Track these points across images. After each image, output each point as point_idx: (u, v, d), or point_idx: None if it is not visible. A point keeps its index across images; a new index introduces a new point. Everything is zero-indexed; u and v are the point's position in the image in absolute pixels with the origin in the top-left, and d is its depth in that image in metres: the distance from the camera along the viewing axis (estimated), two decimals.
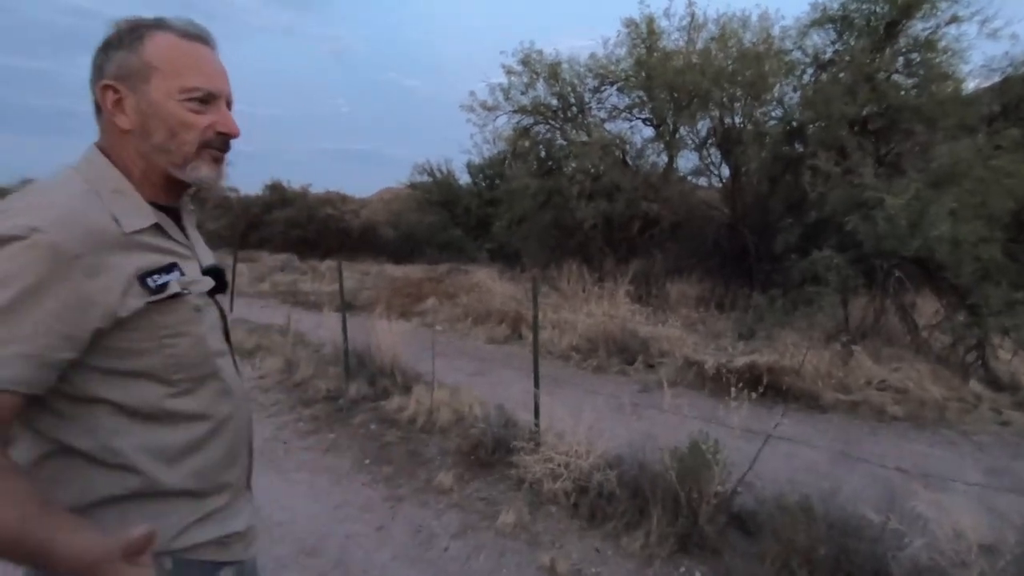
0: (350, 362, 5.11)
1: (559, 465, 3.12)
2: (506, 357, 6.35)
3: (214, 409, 0.88)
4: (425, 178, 19.98)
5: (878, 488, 3.15)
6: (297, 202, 22.66)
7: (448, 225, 19.86)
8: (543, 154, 10.07)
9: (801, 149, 7.22)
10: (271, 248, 21.38)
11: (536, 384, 3.67)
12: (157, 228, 0.83)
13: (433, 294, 9.74)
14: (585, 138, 9.43)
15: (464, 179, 19.71)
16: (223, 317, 0.93)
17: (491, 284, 9.35)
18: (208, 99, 0.84)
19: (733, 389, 4.87)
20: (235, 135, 0.87)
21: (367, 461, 3.57)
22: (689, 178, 9.73)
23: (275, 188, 24.14)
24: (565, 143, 9.78)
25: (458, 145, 24.93)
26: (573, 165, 8.90)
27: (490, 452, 3.57)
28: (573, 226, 9.41)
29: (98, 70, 0.81)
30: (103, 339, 0.75)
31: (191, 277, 0.85)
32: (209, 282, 0.90)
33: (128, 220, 0.78)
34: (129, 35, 0.81)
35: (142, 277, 0.77)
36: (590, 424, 3.80)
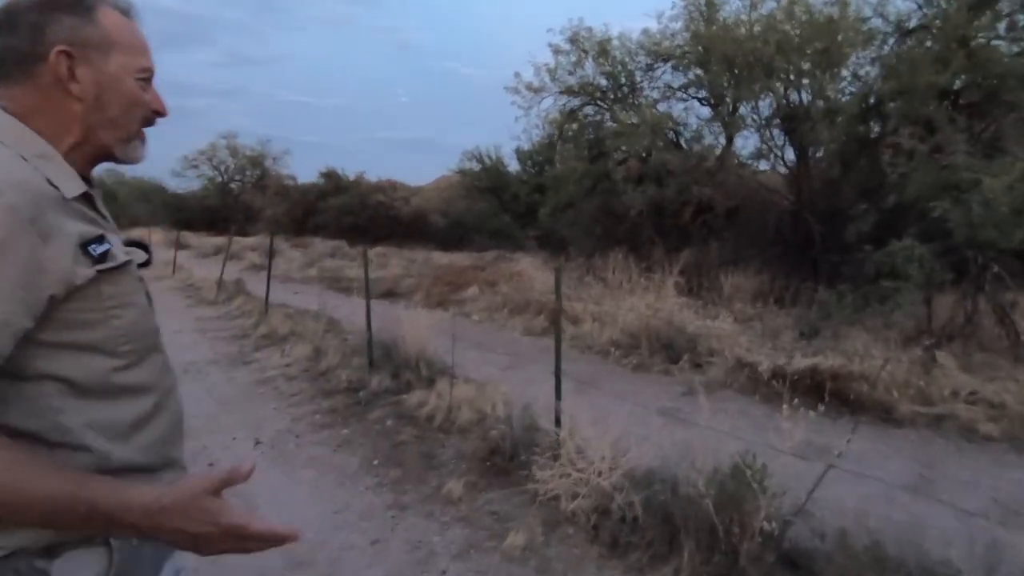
0: (376, 353, 4.91)
1: (580, 481, 2.75)
2: (541, 351, 6.00)
3: (159, 381, 0.86)
4: (474, 165, 19.79)
5: (967, 526, 2.61)
6: (351, 190, 23.01)
7: (497, 212, 19.62)
8: (590, 137, 9.57)
9: (879, 129, 6.43)
10: (325, 234, 21.83)
11: (557, 391, 3.32)
12: (86, 198, 0.80)
13: (475, 283, 9.50)
14: (635, 120, 8.87)
15: (513, 166, 19.42)
16: (147, 291, 0.90)
17: (532, 273, 9.00)
18: (150, 78, 0.85)
19: (790, 396, 4.35)
20: (166, 115, 0.88)
21: (376, 462, 3.33)
22: (749, 162, 8.99)
23: (330, 176, 24.61)
24: (614, 125, 9.24)
25: (508, 131, 24.54)
26: (622, 148, 8.37)
27: (508, 459, 3.25)
28: (621, 213, 8.91)
29: (35, 30, 0.76)
30: (53, 310, 0.72)
31: (123, 249, 0.82)
32: (143, 254, 0.87)
33: (65, 186, 0.76)
34: (78, 3, 0.79)
35: (83, 245, 0.74)
36: (622, 432, 3.43)
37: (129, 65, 0.81)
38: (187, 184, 33.23)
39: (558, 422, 3.26)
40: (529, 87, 10.04)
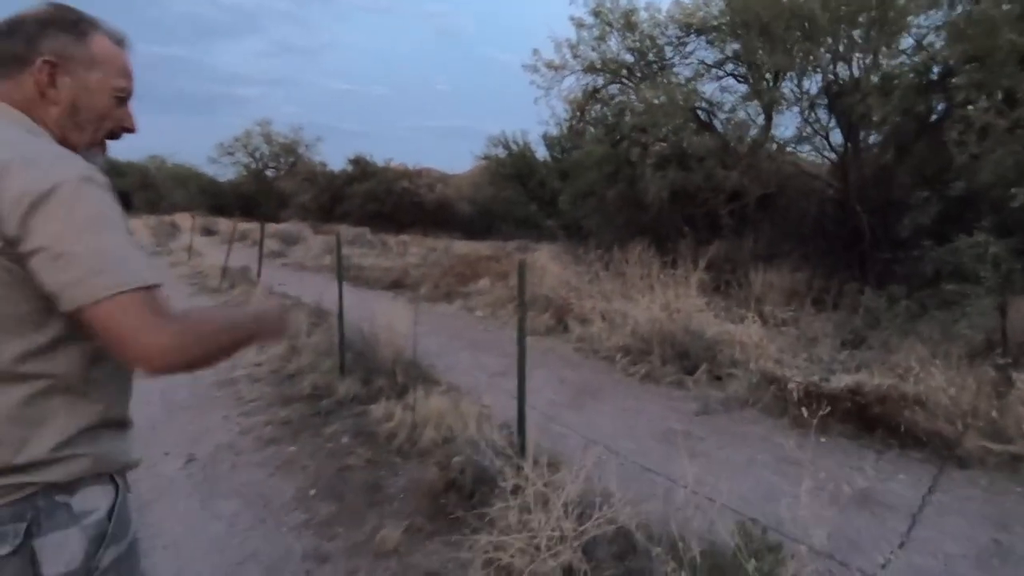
0: (351, 354, 4.40)
1: (532, 544, 2.15)
2: (543, 354, 5.39)
3: None
4: (500, 151, 19.16)
5: None
6: (377, 176, 22.72)
7: (523, 200, 18.98)
8: (613, 119, 8.82)
9: (944, 105, 5.51)
10: (352, 221, 21.63)
11: (520, 420, 2.72)
12: None
13: (486, 274, 8.94)
14: (663, 99, 8.06)
15: (541, 152, 18.70)
16: None
17: (547, 265, 8.35)
18: (127, 98, 0.98)
19: (824, 420, 3.64)
20: (135, 131, 1.00)
21: (313, 492, 2.81)
22: (790, 147, 8.08)
23: (358, 162, 24.39)
24: (640, 105, 8.46)
25: (537, 116, 23.77)
26: (646, 130, 7.60)
27: (466, 497, 2.68)
28: (645, 201, 8.16)
29: (30, 40, 0.89)
30: None
31: None
32: None
33: None
34: (74, 25, 0.92)
35: None
36: (612, 465, 2.82)
37: (107, 83, 0.94)
38: (223, 171, 33.78)
39: (522, 450, 2.66)
40: (549, 64, 9.34)
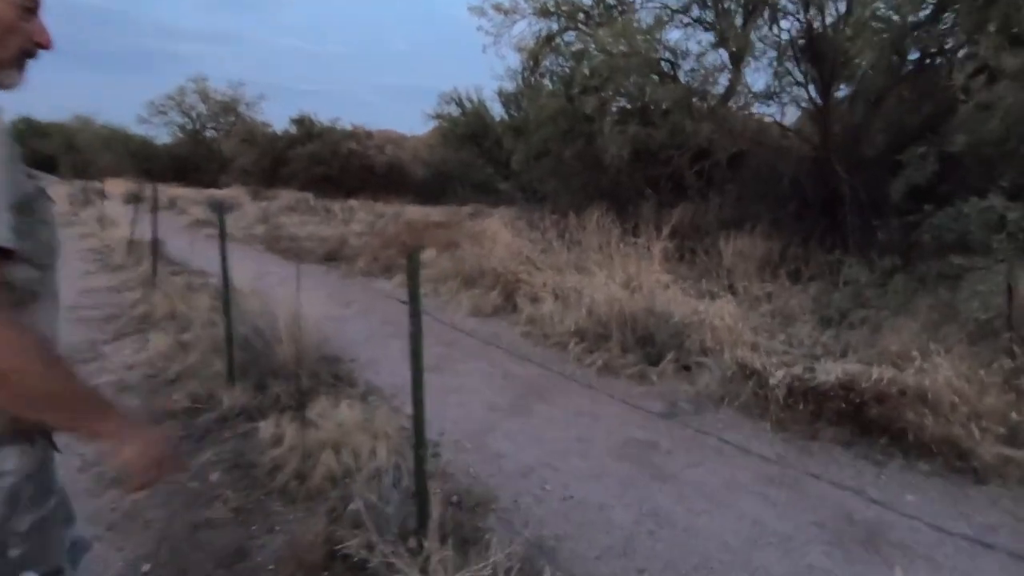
0: (243, 352, 3.57)
1: None
2: (486, 341, 4.66)
3: (56, 293, 0.95)
4: (453, 109, 17.95)
5: None
6: (322, 137, 21.19)
7: (479, 162, 17.98)
8: (567, 70, 7.95)
9: (937, 47, 4.87)
10: (296, 185, 20.21)
11: (417, 463, 2.00)
12: None
13: (433, 244, 8.10)
14: (624, 48, 7.22)
15: (497, 110, 17.61)
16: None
17: (499, 232, 7.56)
18: (35, 8, 0.87)
19: (813, 421, 3.07)
20: (49, 48, 0.90)
21: (147, 568, 2.04)
22: (759, 101, 7.40)
23: (301, 122, 22.71)
24: (598, 54, 7.59)
25: (490, 71, 22.47)
26: (604, 80, 6.78)
27: (357, 569, 1.96)
28: (604, 161, 7.42)
29: None
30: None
31: None
32: None
33: None
34: None
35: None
36: (560, 496, 2.16)
37: None
38: (156, 133, 31.30)
39: (422, 520, 1.94)
40: (498, 8, 8.33)
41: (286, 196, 17.72)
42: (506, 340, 4.61)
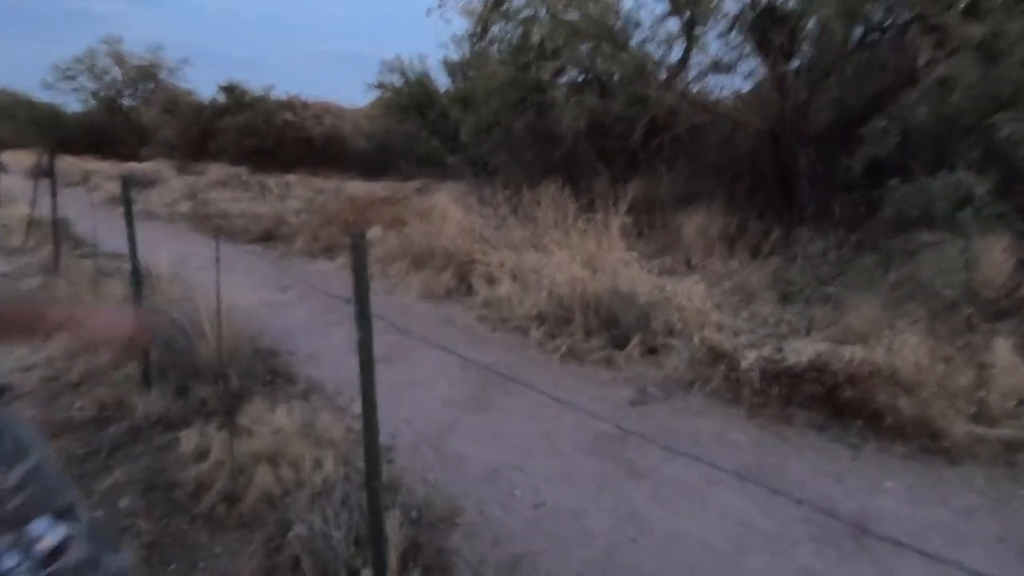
0: (161, 350, 3.11)
1: None
2: (440, 326, 4.37)
3: None
4: (397, 78, 17.11)
5: None
6: (254, 107, 19.80)
7: (424, 134, 17.29)
8: (517, 38, 7.55)
9: (892, 23, 4.81)
10: (227, 159, 18.87)
11: (370, 476, 1.71)
12: None
13: (378, 221, 7.62)
14: (575, 15, 6.89)
15: (442, 80, 16.90)
16: None
17: (448, 209, 7.18)
18: None
19: (786, 405, 2.96)
20: None
21: None
22: (712, 78, 7.28)
23: (230, 90, 21.11)
24: (549, 20, 7.23)
25: (435, 39, 21.57)
26: (555, 50, 6.45)
27: None
28: (557, 134, 7.13)
29: None
30: None
31: None
32: None
33: None
34: None
35: None
36: (531, 504, 1.93)
37: None
38: (64, 100, 28.51)
39: (379, 567, 1.66)
40: None
41: (216, 170, 16.48)
42: (461, 325, 4.32)
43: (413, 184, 13.62)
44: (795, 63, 6.14)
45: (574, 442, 2.72)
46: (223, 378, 2.93)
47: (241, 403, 2.73)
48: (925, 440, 2.64)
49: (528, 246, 5.28)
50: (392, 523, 1.94)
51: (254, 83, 21.20)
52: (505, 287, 4.53)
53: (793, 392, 2.95)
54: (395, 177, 16.56)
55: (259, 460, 2.28)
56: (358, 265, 1.36)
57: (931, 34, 3.65)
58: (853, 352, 2.96)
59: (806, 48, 5.81)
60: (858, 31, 5.38)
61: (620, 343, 3.64)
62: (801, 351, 3.08)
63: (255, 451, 2.34)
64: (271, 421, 2.55)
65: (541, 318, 4.02)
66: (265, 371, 3.26)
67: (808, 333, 3.55)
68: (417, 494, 2.25)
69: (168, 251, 5.48)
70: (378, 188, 12.59)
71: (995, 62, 3.28)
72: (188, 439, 2.48)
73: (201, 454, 2.39)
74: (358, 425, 2.73)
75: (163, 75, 27.89)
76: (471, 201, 7.79)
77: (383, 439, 2.59)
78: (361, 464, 2.33)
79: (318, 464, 2.27)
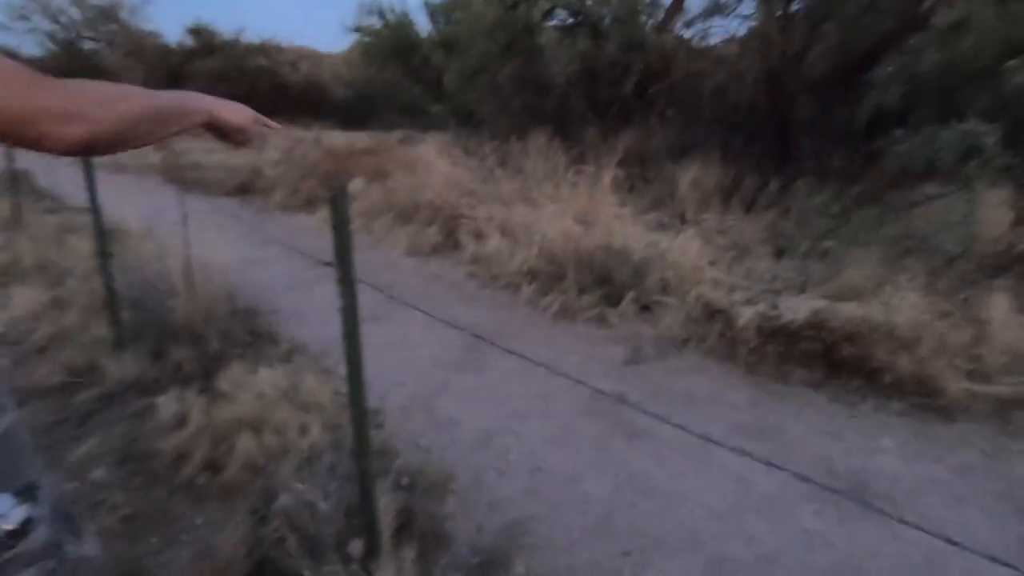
0: (134, 310, 2.95)
1: None
2: (427, 283, 4.23)
3: None
4: (375, 21, 16.26)
5: None
6: (225, 51, 18.80)
7: (408, 82, 16.60)
8: None
9: None
10: None
11: (366, 498, 1.61)
12: None
13: (360, 173, 7.34)
14: None
15: (424, 23, 16.12)
16: None
17: (434, 161, 6.91)
18: None
19: (781, 364, 2.92)
20: None
21: None
22: (707, 21, 6.94)
23: (198, 33, 19.98)
24: None
25: None
26: None
27: None
28: (546, 82, 6.82)
29: None
30: None
31: None
32: None
33: None
34: None
35: None
36: (528, 468, 1.86)
37: None
38: (19, 42, 26.75)
39: (371, 542, 1.58)
40: None
41: None
42: (449, 281, 4.19)
43: (396, 134, 13.16)
44: (795, 5, 5.86)
45: (569, 403, 2.65)
46: (201, 340, 2.79)
47: (220, 366, 2.61)
48: (922, 397, 2.62)
49: (517, 199, 5.11)
50: (384, 492, 1.87)
51: (224, 25, 20.01)
52: (494, 243, 4.38)
53: (790, 350, 2.90)
54: (377, 127, 16.00)
55: (241, 426, 2.18)
56: (338, 223, 1.22)
57: None
58: (851, 309, 2.91)
59: None
60: None
61: (613, 300, 3.55)
62: (798, 308, 3.01)
63: (237, 417, 2.23)
64: (253, 385, 2.43)
65: (532, 275, 3.90)
66: (245, 332, 3.13)
67: (805, 290, 3.48)
68: (409, 460, 2.17)
69: (139, 205, 5.22)
70: (359, 138, 12.12)
71: (1009, 4, 3.11)
72: (165, 405, 2.36)
73: (180, 421, 2.28)
74: (346, 387, 2.63)
75: (124, 15, 26.24)
76: (457, 152, 7.52)
77: (372, 402, 2.50)
78: (350, 429, 2.24)
79: (304, 430, 2.17)
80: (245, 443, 2.10)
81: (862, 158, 3.87)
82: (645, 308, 3.52)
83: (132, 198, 6.45)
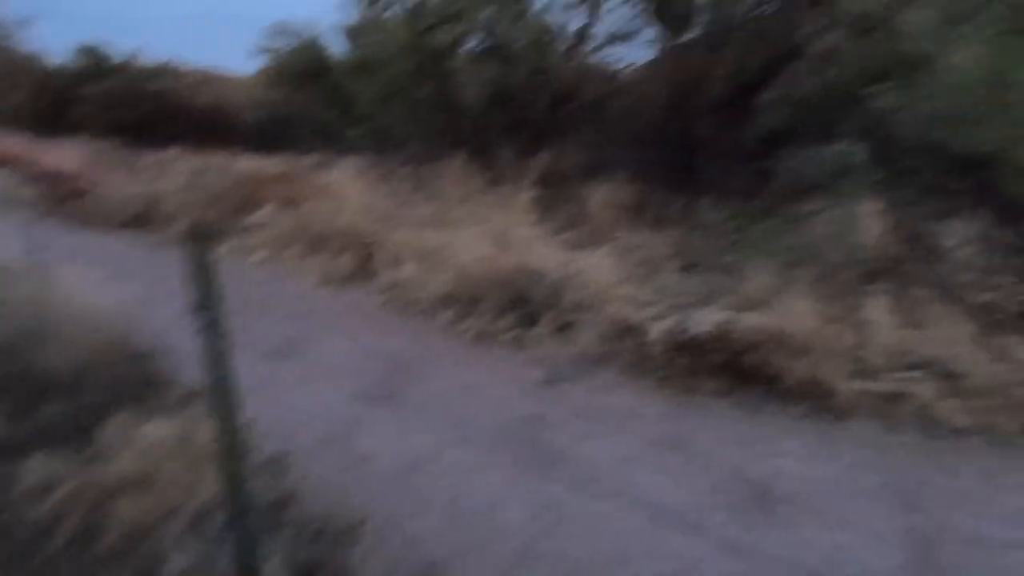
0: (1, 360, 2.62)
1: None
2: (341, 314, 4.08)
3: None
4: (285, 43, 15.81)
5: None
6: (120, 74, 17.58)
7: (319, 105, 16.21)
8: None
9: None
10: (93, 133, 16.69)
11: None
12: None
13: (271, 200, 7.03)
14: None
15: (340, 46, 15.84)
16: None
17: (348, 187, 6.74)
18: None
19: (689, 375, 3.02)
20: None
21: None
22: (614, 47, 7.29)
23: (89, 53, 18.59)
24: None
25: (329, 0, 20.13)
26: (456, 10, 6.16)
27: None
28: (462, 105, 6.88)
29: None
30: None
31: None
32: None
33: None
34: None
35: None
36: (444, 501, 1.79)
37: None
38: None
39: None
40: None
41: (79, 145, 14.57)
42: (364, 311, 4.06)
43: (310, 159, 12.77)
44: (692, 33, 6.26)
45: (488, 429, 2.61)
46: (79, 391, 2.52)
47: (101, 421, 2.35)
48: (817, 399, 2.79)
49: (434, 223, 5.06)
50: (286, 543, 1.74)
51: (113, 45, 18.66)
52: (410, 269, 4.30)
53: (698, 362, 3.02)
54: (291, 151, 15.46)
55: (122, 488, 1.96)
56: (199, 269, 1.12)
57: (815, 7, 3.80)
58: (751, 319, 3.07)
59: (702, 18, 5.93)
60: (750, 1, 5.57)
61: (530, 322, 3.56)
62: (704, 321, 3.15)
63: (119, 477, 2.02)
64: (138, 440, 2.21)
65: (449, 300, 3.85)
66: (135, 379, 2.85)
67: (711, 302, 3.65)
68: (317, 504, 2.04)
69: (12, 243, 4.71)
70: (271, 164, 11.64)
71: (871, 35, 3.47)
72: (32, 469, 2.09)
73: (48, 486, 2.03)
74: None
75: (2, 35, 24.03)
76: (373, 177, 7.37)
77: (276, 445, 2.35)
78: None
79: (193, 485, 1.99)
80: (125, 507, 1.89)
81: (758, 175, 4.16)
82: (562, 328, 3.56)
83: (8, 231, 5.84)
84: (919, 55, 3.13)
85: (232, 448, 1.29)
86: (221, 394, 1.25)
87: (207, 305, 1.16)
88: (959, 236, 3.26)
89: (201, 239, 1.15)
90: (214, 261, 1.24)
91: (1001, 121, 2.83)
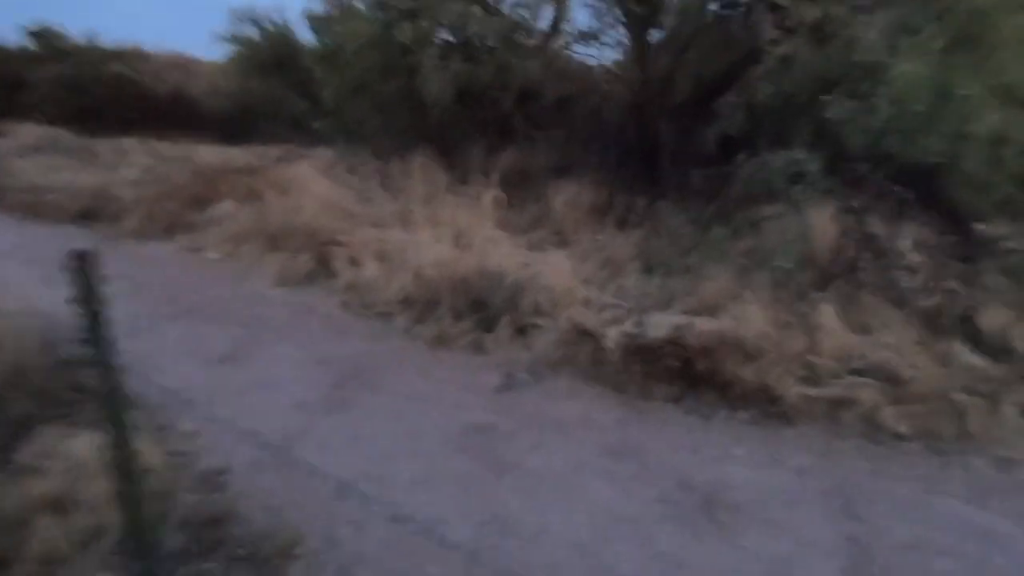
0: None
1: None
2: (297, 315, 3.97)
3: None
4: (252, 30, 15.36)
5: None
6: (76, 57, 16.86)
7: (289, 95, 15.82)
8: None
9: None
10: (46, 118, 15.98)
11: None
12: None
13: (231, 194, 6.82)
14: None
15: (307, 35, 15.45)
16: None
17: (311, 181, 6.58)
18: None
19: (644, 382, 3.03)
20: None
21: None
22: (580, 42, 7.27)
23: (42, 36, 17.78)
24: None
25: None
26: (423, 4, 6.04)
27: None
28: (428, 101, 6.76)
29: None
30: None
31: None
32: None
33: None
34: None
35: None
36: (387, 517, 1.75)
37: None
38: None
39: None
40: None
41: (28, 132, 13.92)
42: (321, 313, 3.96)
43: (276, 151, 12.46)
44: (657, 35, 6.28)
45: (439, 439, 2.57)
46: (2, 402, 2.39)
47: (25, 435, 2.24)
48: (766, 405, 2.83)
49: (396, 222, 4.98)
50: (216, 566, 1.68)
51: (68, 26, 17.88)
52: (370, 270, 4.22)
53: (653, 367, 3.03)
54: (257, 142, 15.07)
55: (44, 506, 1.87)
56: (86, 296, 1.06)
57: (774, 13, 3.84)
58: (706, 324, 3.09)
59: (667, 20, 5.94)
60: (714, 4, 5.61)
61: (489, 326, 3.52)
62: (660, 325, 3.16)
63: (41, 495, 1.92)
64: (65, 454, 2.11)
65: (407, 302, 3.79)
66: (68, 387, 2.72)
67: (669, 306, 3.67)
68: (253, 523, 1.98)
69: None
70: (235, 155, 11.32)
71: (825, 44, 3.52)
72: None
73: None
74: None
75: None
76: (338, 171, 7.22)
77: (217, 460, 2.27)
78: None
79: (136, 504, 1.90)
80: (46, 527, 1.80)
81: (717, 179, 4.18)
82: (521, 331, 3.53)
83: None
84: (870, 65, 3.18)
85: (125, 467, 1.22)
86: (113, 412, 1.18)
87: (96, 338, 1.09)
88: (907, 242, 3.34)
89: (85, 266, 1.08)
90: (99, 286, 1.16)
91: (945, 132, 2.89)
